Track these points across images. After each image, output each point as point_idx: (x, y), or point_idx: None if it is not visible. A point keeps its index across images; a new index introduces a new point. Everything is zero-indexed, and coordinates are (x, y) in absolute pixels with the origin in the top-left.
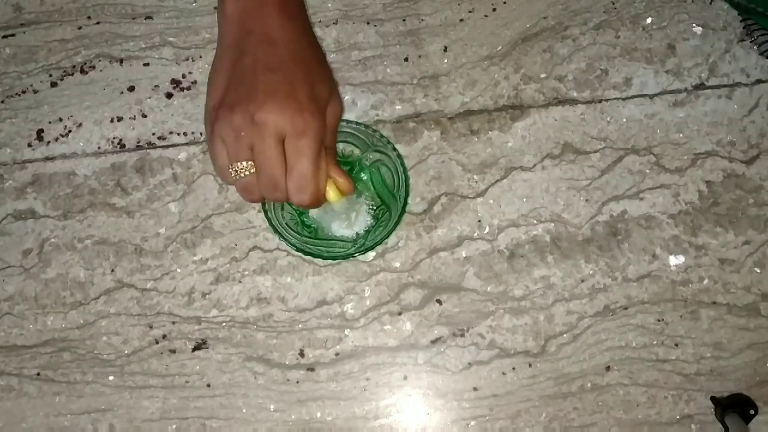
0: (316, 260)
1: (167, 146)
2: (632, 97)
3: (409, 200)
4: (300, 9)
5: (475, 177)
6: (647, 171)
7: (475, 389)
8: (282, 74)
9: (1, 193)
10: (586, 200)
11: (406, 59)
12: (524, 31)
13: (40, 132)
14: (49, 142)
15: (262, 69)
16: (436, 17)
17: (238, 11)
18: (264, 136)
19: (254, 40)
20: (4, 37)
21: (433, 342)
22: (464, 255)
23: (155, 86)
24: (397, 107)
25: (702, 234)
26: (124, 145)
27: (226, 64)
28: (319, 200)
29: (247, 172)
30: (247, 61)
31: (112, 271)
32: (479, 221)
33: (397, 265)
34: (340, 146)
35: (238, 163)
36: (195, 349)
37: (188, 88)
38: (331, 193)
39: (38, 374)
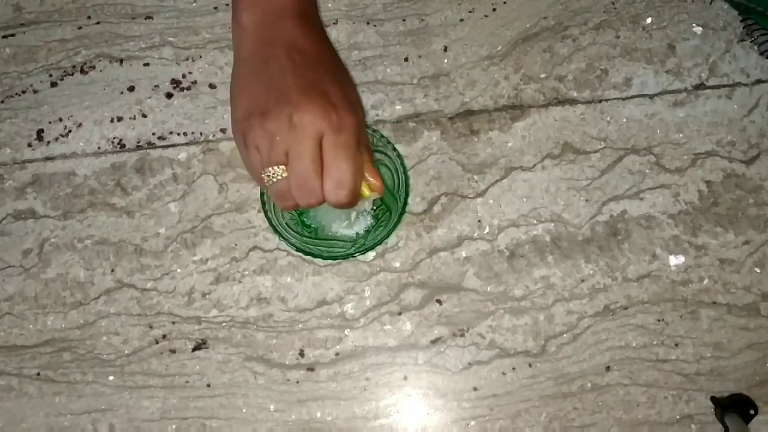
0: (316, 260)
1: (167, 146)
2: (632, 97)
3: (409, 200)
4: (317, 19)
5: (475, 177)
6: (647, 171)
7: (475, 389)
8: (312, 78)
9: (1, 193)
10: (586, 200)
11: (406, 59)
12: (524, 31)
13: (40, 132)
14: (49, 142)
15: (291, 74)
16: (436, 17)
17: (255, 23)
18: (301, 138)
19: (278, 49)
20: (4, 37)
21: (433, 342)
22: (464, 255)
23: (155, 86)
24: (397, 107)
25: (702, 234)
26: (124, 145)
27: (249, 74)
28: (356, 198)
29: (279, 176)
30: (274, 68)
31: (112, 271)
32: (479, 221)
33: (397, 265)
34: None
35: (270, 168)
36: (195, 349)
37: (188, 88)
38: (365, 191)
39: (38, 374)
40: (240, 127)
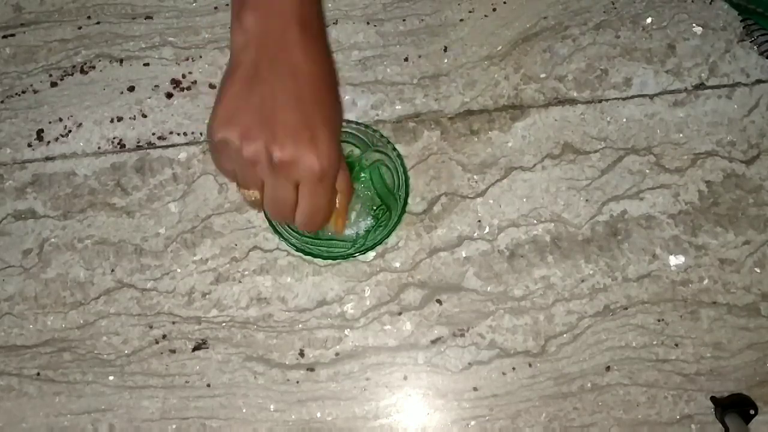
0: (316, 260)
1: (167, 146)
2: (632, 97)
3: (409, 200)
4: (320, 25)
5: (475, 177)
6: (647, 171)
7: (475, 389)
8: (302, 114)
9: (1, 193)
10: (586, 200)
11: (406, 59)
12: (524, 31)
13: (40, 132)
14: (49, 142)
15: (281, 106)
16: (436, 17)
17: (257, 28)
18: (280, 177)
19: (275, 70)
20: (4, 37)
21: (433, 342)
22: (464, 255)
23: (155, 86)
24: (397, 107)
25: (702, 234)
26: (124, 145)
27: (242, 80)
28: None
29: (255, 197)
30: (266, 90)
31: (112, 271)
32: (479, 221)
33: (397, 265)
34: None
35: (246, 191)
36: (195, 349)
37: (188, 88)
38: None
39: (38, 374)
40: (217, 131)
